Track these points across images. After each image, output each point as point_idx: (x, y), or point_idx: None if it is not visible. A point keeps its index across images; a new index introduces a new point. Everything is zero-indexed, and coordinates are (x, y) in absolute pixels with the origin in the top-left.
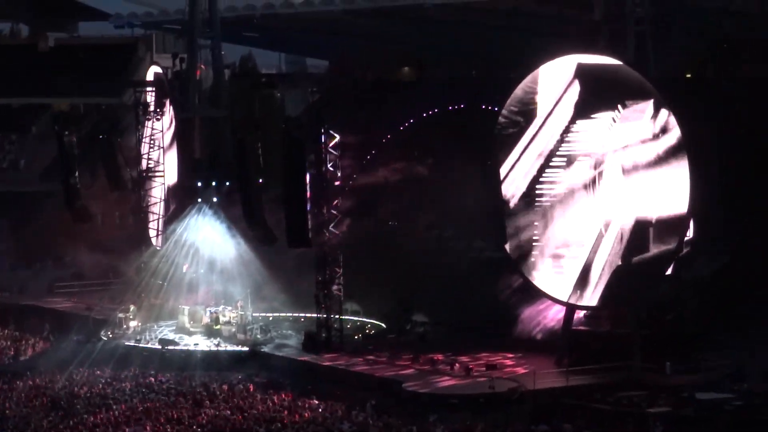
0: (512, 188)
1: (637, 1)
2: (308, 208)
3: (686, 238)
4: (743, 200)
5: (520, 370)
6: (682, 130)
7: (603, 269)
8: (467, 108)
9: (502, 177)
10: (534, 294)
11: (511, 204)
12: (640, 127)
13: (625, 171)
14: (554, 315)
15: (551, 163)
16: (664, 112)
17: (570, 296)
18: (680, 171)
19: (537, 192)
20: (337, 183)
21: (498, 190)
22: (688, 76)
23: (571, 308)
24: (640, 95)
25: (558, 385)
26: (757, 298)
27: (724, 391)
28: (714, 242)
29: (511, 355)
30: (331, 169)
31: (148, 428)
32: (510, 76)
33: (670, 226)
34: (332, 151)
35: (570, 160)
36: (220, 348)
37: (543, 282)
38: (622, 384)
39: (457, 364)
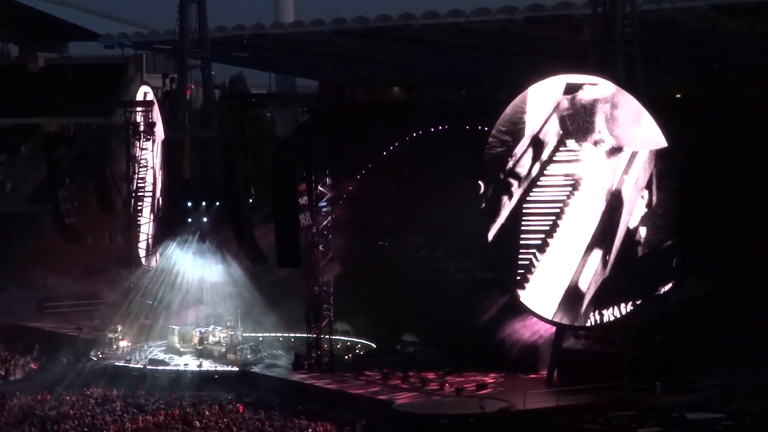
0: (499, 207)
1: (626, 23)
2: (298, 228)
3: (674, 261)
4: (732, 222)
5: (510, 390)
6: (670, 150)
7: (590, 289)
8: (456, 128)
9: (487, 197)
10: (522, 314)
11: (498, 224)
12: (626, 150)
13: (612, 189)
14: (536, 331)
15: (539, 183)
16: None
17: (558, 316)
18: (668, 191)
19: (524, 211)
20: (326, 203)
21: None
22: (678, 96)
23: (560, 328)
24: (628, 114)
25: (548, 405)
26: (746, 320)
27: (714, 412)
28: (703, 264)
29: (500, 375)
30: (320, 189)
31: None
32: (499, 97)
33: (659, 247)
34: (322, 171)
35: (557, 180)
36: (210, 368)
37: (532, 302)
38: (611, 404)
39: (447, 384)
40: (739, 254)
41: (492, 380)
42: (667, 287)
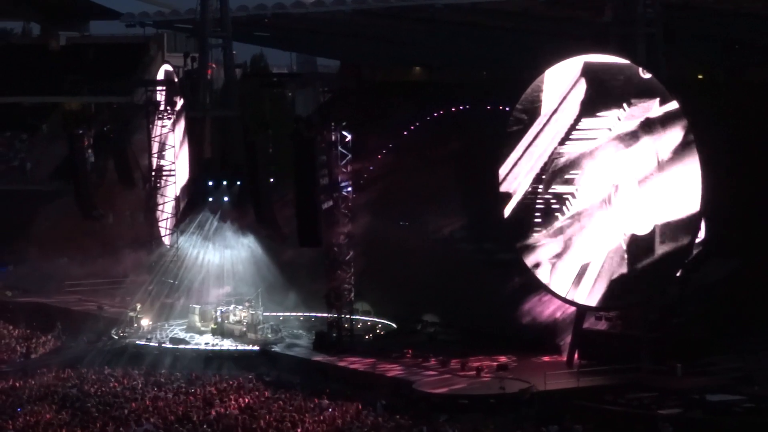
0: (514, 187)
1: (648, 3)
2: (319, 208)
3: (697, 241)
4: (753, 204)
5: (530, 371)
6: (692, 132)
7: (608, 271)
8: (476, 109)
9: (503, 176)
10: (541, 294)
11: (515, 202)
12: (646, 129)
13: (631, 171)
14: (554, 311)
15: (555, 162)
16: (672, 114)
17: (576, 296)
18: (690, 174)
19: (539, 191)
20: (347, 183)
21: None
22: (700, 77)
23: (581, 309)
24: (646, 94)
25: (568, 386)
26: (767, 302)
27: (734, 394)
28: (724, 246)
29: (520, 356)
30: (341, 169)
31: (158, 427)
32: (519, 77)
33: (681, 228)
34: (343, 151)
35: (574, 159)
36: (230, 347)
37: (550, 281)
38: (632, 385)
39: (467, 365)
40: (760, 236)
41: (512, 361)
42: (688, 269)
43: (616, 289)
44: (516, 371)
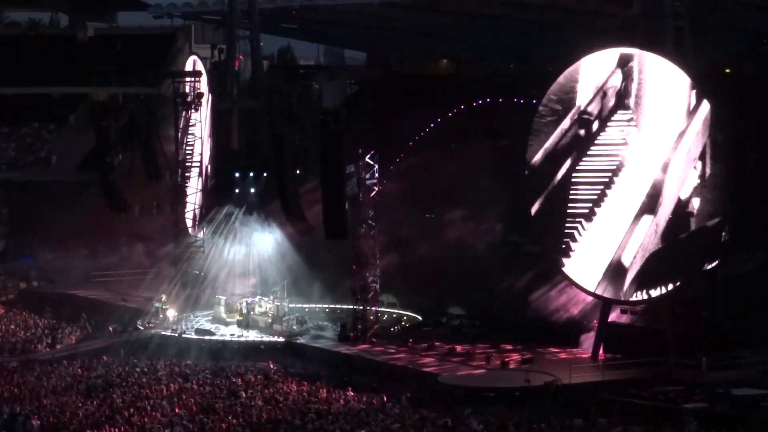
0: (546, 177)
1: None
2: (345, 200)
3: (723, 235)
4: None
5: (556, 364)
6: (720, 124)
7: (636, 262)
8: (504, 101)
9: (535, 167)
10: (566, 287)
11: (545, 194)
12: (678, 120)
13: (662, 163)
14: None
15: (588, 152)
16: (704, 107)
17: (602, 289)
18: (718, 166)
19: (573, 180)
20: (374, 175)
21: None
22: (727, 71)
23: (607, 302)
24: (678, 86)
25: (593, 379)
26: None
27: (760, 388)
28: (751, 240)
29: (546, 349)
30: (368, 161)
31: (183, 417)
32: (547, 70)
33: (708, 220)
34: (369, 143)
35: (607, 149)
36: (256, 338)
37: (577, 274)
38: (657, 379)
39: (492, 357)
40: None
41: (537, 354)
42: (714, 262)
43: (643, 281)
44: (541, 364)
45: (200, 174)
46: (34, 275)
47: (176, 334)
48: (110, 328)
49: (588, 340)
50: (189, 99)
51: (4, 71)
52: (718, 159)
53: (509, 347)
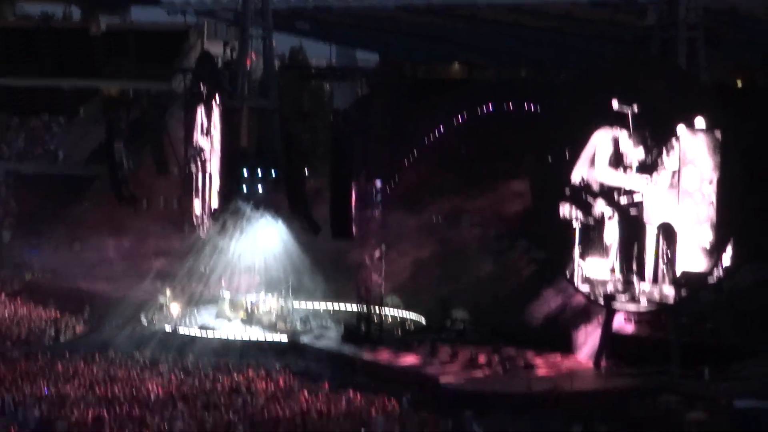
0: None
1: (690, 7)
2: (353, 201)
3: (729, 249)
4: None
5: (558, 371)
6: (727, 139)
7: (642, 271)
8: (515, 108)
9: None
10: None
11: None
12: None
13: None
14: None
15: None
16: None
17: (612, 298)
18: (728, 179)
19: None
20: (382, 178)
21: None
22: (739, 83)
23: (611, 311)
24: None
25: (595, 387)
26: None
27: (762, 400)
28: (757, 253)
29: (549, 356)
30: (377, 163)
31: (184, 413)
32: (560, 78)
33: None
34: (379, 145)
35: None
36: (259, 337)
37: (583, 283)
38: (659, 389)
39: (494, 362)
40: None
41: (540, 361)
42: (720, 275)
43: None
44: (543, 371)
45: (209, 171)
46: (39, 267)
47: (180, 330)
48: (114, 322)
49: (584, 346)
50: (200, 95)
51: (16, 63)
52: (726, 175)
53: (512, 352)
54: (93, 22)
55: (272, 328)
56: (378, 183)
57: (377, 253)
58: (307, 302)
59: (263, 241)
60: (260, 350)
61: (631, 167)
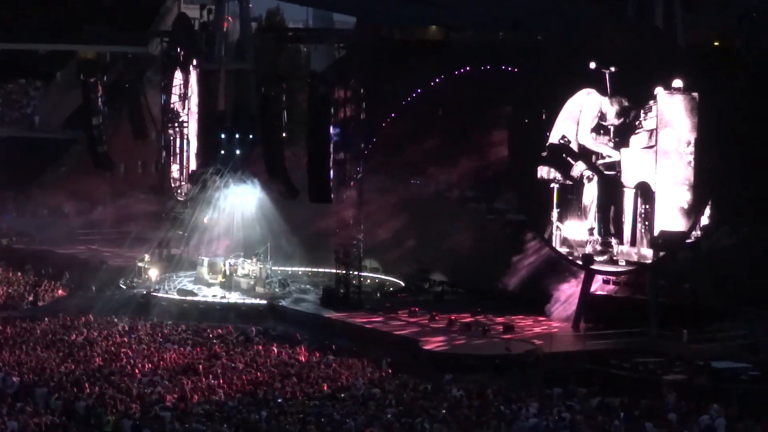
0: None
1: None
2: (331, 164)
3: (707, 210)
4: (766, 173)
5: (537, 333)
6: (705, 101)
7: (620, 234)
8: (492, 70)
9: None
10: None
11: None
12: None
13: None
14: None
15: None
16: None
17: (590, 260)
18: (703, 143)
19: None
20: (360, 140)
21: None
22: (716, 44)
23: (590, 273)
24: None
25: (574, 348)
26: None
27: (740, 361)
28: (735, 214)
29: (528, 318)
30: (354, 126)
31: (163, 377)
32: (536, 39)
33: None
34: (356, 108)
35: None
36: (238, 300)
37: (561, 244)
38: (638, 350)
39: (473, 325)
40: None
41: (519, 322)
42: (698, 235)
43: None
44: (522, 333)
45: (186, 134)
46: (13, 232)
47: (159, 294)
48: (93, 287)
49: (562, 308)
50: (176, 58)
51: None
52: (703, 136)
53: (491, 315)
54: None
55: (251, 291)
56: (356, 146)
57: (356, 216)
58: (286, 265)
59: (241, 204)
60: (239, 314)
61: (610, 129)
